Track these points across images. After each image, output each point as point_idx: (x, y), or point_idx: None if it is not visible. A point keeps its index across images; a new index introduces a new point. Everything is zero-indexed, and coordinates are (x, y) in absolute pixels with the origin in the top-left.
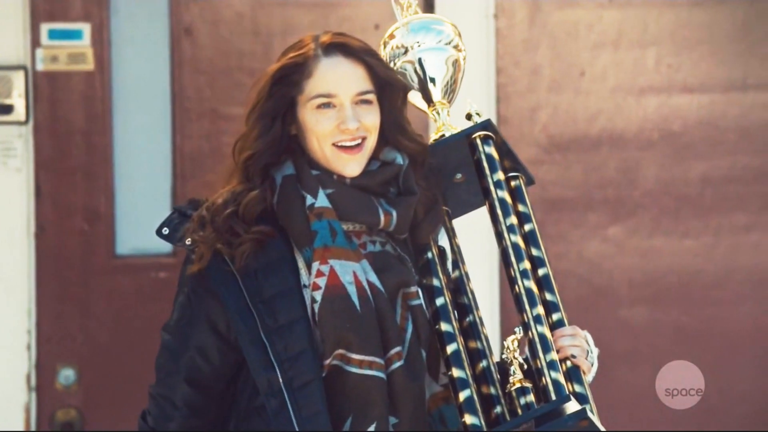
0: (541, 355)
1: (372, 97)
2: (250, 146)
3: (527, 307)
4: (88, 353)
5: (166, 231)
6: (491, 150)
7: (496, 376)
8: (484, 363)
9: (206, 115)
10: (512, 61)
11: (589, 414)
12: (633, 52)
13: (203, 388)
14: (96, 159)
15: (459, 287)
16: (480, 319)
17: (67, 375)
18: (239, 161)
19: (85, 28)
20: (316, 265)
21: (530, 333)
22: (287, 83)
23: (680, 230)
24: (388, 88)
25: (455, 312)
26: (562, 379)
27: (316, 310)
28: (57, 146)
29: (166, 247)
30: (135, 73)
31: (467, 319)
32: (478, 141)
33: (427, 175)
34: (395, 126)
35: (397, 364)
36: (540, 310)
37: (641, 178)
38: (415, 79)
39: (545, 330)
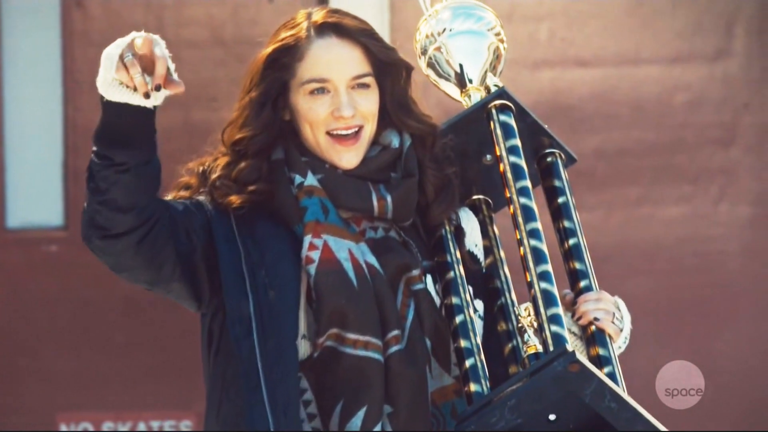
0: (542, 310)
1: (370, 80)
2: (239, 131)
3: (531, 264)
4: None
5: None
6: (507, 119)
7: (525, 355)
8: (513, 342)
9: None
10: (407, 35)
11: (579, 357)
12: (527, 26)
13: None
14: None
15: (492, 273)
16: (513, 301)
17: None
18: (228, 145)
19: None
20: (308, 239)
21: (533, 290)
22: (279, 67)
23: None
24: (389, 69)
25: (470, 287)
26: (563, 332)
27: (312, 285)
28: None
29: (57, 220)
30: (25, 44)
31: (499, 302)
32: (494, 111)
33: (438, 157)
34: (399, 107)
35: (395, 347)
36: (547, 267)
37: None
38: (449, 68)
39: (549, 286)
